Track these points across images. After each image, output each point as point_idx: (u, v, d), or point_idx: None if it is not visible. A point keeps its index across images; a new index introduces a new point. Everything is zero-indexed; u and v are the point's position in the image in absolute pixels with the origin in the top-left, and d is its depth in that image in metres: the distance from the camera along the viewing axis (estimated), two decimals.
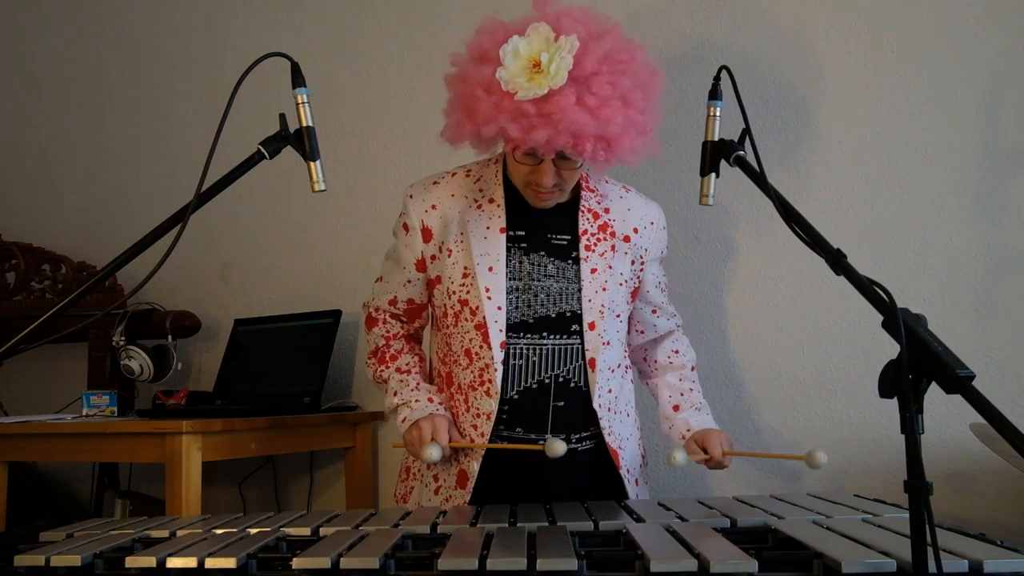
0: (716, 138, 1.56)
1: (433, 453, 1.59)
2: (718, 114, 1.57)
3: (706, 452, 1.70)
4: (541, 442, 1.61)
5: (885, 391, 1.03)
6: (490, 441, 1.67)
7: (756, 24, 2.24)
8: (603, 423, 1.71)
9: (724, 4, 2.26)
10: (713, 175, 1.57)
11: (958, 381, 0.99)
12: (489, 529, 1.28)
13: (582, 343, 1.69)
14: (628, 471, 1.76)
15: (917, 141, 2.11)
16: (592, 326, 1.69)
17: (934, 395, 0.99)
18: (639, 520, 1.36)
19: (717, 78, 1.58)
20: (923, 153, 2.10)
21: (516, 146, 1.56)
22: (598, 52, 1.50)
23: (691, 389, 1.86)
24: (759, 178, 1.39)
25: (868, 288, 1.14)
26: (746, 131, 1.46)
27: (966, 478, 2.02)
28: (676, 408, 1.83)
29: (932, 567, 0.95)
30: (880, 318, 1.09)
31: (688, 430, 1.77)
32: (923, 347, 1.01)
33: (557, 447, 1.54)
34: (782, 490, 2.09)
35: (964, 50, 2.07)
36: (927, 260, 2.09)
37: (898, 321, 1.03)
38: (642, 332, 1.88)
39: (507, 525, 1.34)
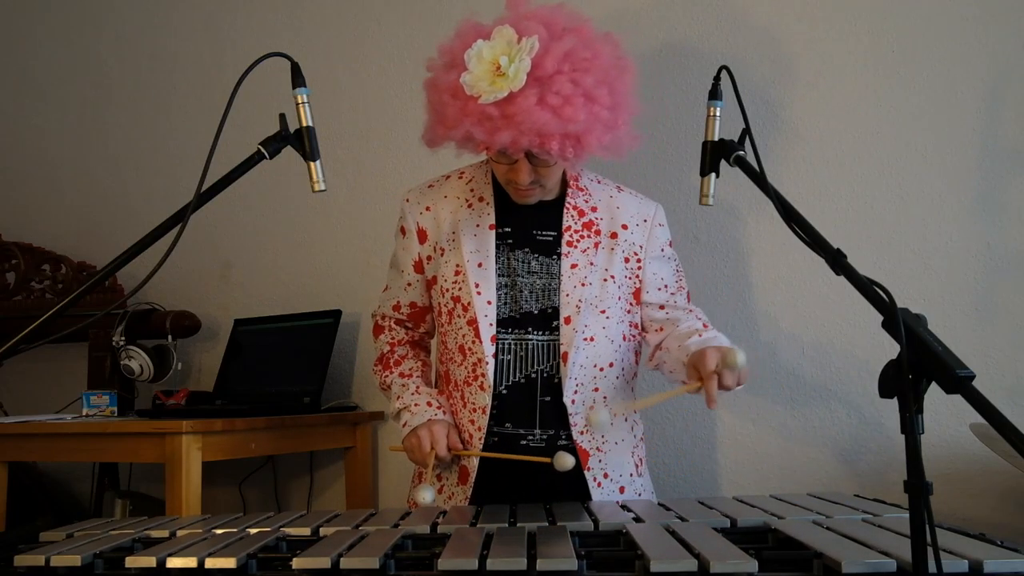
0: (716, 138, 1.56)
1: (426, 496, 1.54)
2: (718, 114, 1.57)
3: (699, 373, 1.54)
4: (532, 437, 1.60)
5: (885, 391, 1.03)
6: (485, 437, 1.68)
7: (756, 24, 2.24)
8: (574, 420, 1.69)
9: (724, 4, 2.26)
10: (713, 175, 1.57)
11: (958, 381, 0.99)
12: (489, 529, 1.28)
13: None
14: (606, 475, 1.71)
15: (917, 141, 2.11)
16: (568, 320, 1.69)
17: (934, 395, 0.99)
18: (639, 520, 1.36)
19: (717, 78, 1.58)
20: (923, 153, 2.10)
21: (485, 147, 1.58)
22: (558, 52, 1.52)
23: (697, 331, 1.72)
24: (759, 178, 1.39)
25: (868, 288, 1.14)
26: (746, 131, 1.47)
27: (966, 478, 2.02)
28: (680, 347, 1.71)
29: (932, 567, 0.95)
30: (880, 318, 1.09)
31: (687, 356, 1.63)
32: (923, 347, 1.01)
33: (566, 461, 1.52)
34: (782, 490, 2.09)
35: (964, 50, 2.07)
36: (927, 260, 2.09)
37: (898, 321, 1.03)
38: (660, 330, 1.81)
39: (507, 525, 1.34)
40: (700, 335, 1.71)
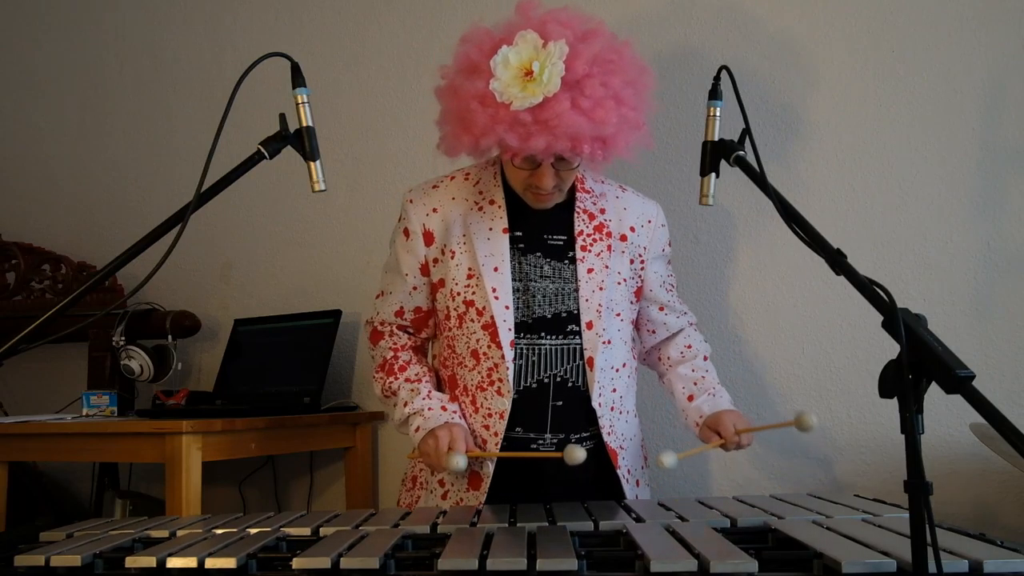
0: (716, 138, 1.56)
1: (460, 462, 1.57)
2: (718, 114, 1.57)
3: (720, 435, 1.70)
4: (543, 442, 1.63)
5: (885, 391, 1.03)
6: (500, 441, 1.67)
7: (756, 24, 2.24)
8: (603, 422, 1.71)
9: (724, 4, 2.26)
10: (713, 175, 1.57)
11: (958, 381, 0.99)
12: (489, 529, 1.28)
13: (580, 343, 1.70)
14: (629, 471, 1.76)
15: (917, 141, 2.11)
16: (590, 325, 1.69)
17: (934, 395, 0.99)
18: (639, 520, 1.36)
19: (717, 78, 1.58)
20: (923, 153, 2.10)
21: (515, 153, 1.57)
22: (587, 54, 1.51)
23: (703, 377, 1.83)
24: (759, 178, 1.39)
25: (868, 288, 1.15)
26: (746, 131, 1.47)
27: (966, 478, 2.02)
28: (691, 398, 1.81)
29: (932, 567, 0.95)
30: (880, 318, 1.09)
31: (701, 417, 1.77)
32: (923, 347, 1.01)
33: (576, 454, 1.52)
34: (782, 490, 2.09)
35: (964, 50, 2.07)
36: (927, 260, 2.09)
37: (898, 321, 1.04)
38: (653, 332, 1.87)
39: (507, 525, 1.34)
40: (706, 390, 1.81)
